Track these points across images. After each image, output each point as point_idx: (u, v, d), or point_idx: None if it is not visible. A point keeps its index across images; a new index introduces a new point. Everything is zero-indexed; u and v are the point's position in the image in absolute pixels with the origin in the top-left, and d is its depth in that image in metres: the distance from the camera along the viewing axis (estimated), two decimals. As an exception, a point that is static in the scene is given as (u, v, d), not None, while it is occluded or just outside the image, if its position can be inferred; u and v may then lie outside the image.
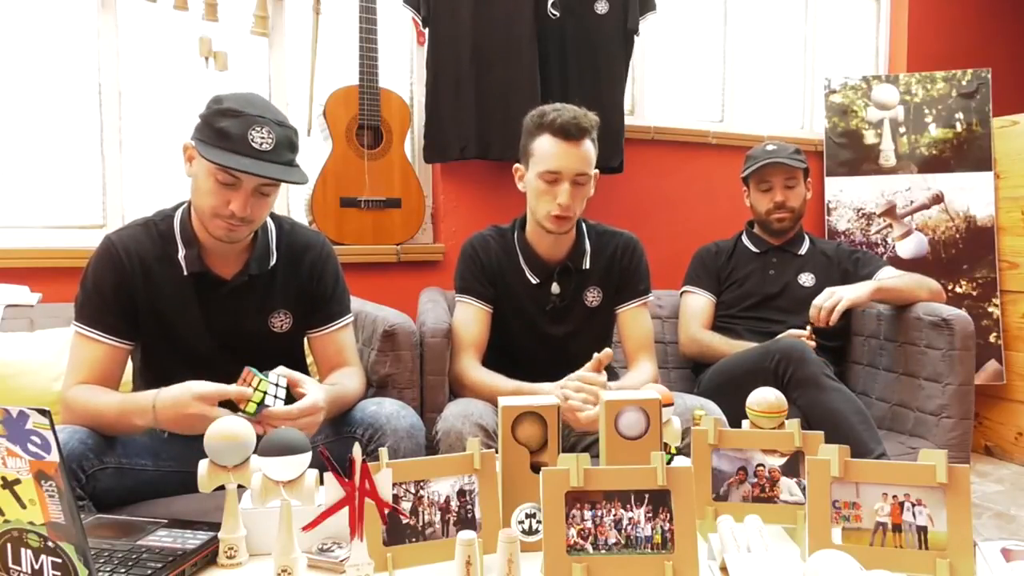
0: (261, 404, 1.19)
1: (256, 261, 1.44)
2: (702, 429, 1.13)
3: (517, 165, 1.73)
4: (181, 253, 1.39)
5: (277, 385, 1.22)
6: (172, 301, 1.39)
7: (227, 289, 1.42)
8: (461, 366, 1.67)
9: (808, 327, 2.05)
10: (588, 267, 1.74)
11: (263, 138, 1.28)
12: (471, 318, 1.71)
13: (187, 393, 1.19)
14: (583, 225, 1.77)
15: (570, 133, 1.59)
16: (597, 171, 1.71)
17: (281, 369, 1.27)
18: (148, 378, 1.45)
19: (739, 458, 1.13)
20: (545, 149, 1.61)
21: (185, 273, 1.39)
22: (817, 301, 2.03)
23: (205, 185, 1.31)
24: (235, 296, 1.43)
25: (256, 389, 1.19)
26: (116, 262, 1.37)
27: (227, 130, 1.26)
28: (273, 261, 1.46)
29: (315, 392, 1.26)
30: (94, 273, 1.37)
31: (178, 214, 1.43)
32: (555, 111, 1.62)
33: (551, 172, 1.61)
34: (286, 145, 1.32)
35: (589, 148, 1.63)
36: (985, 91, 2.85)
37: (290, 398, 1.26)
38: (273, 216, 1.50)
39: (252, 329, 1.45)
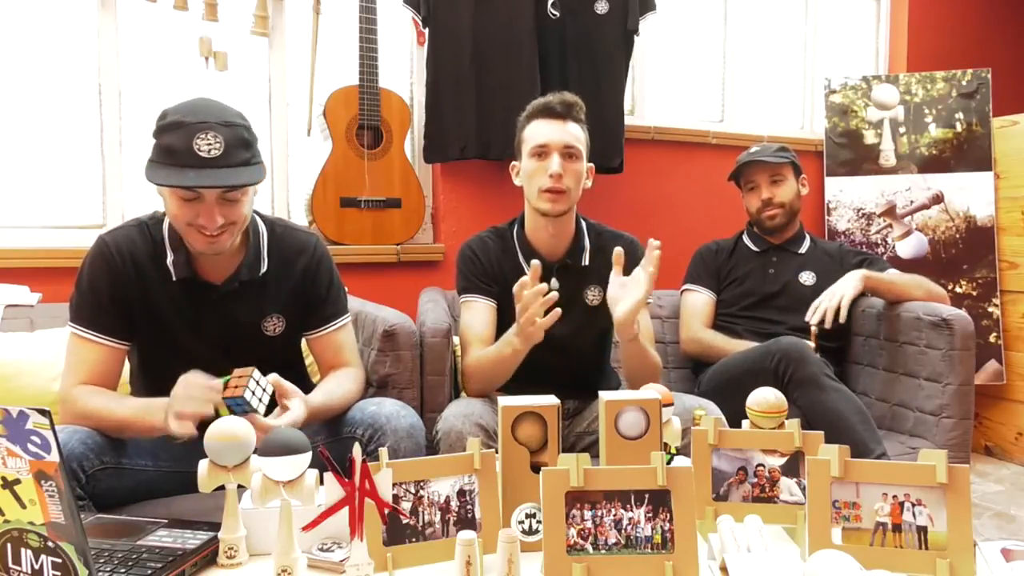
0: (242, 405, 1.19)
1: (247, 267, 1.42)
2: (702, 429, 1.13)
3: (514, 163, 1.75)
4: (170, 259, 1.38)
5: (264, 389, 1.22)
6: (164, 303, 1.38)
7: (218, 295, 1.40)
8: (467, 360, 1.64)
9: (813, 329, 2.04)
10: (587, 264, 1.74)
11: (210, 144, 1.23)
12: (477, 315, 1.69)
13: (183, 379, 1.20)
14: (583, 222, 1.77)
15: (554, 110, 1.65)
16: (592, 165, 1.72)
17: (273, 377, 1.26)
18: (144, 379, 1.45)
19: (739, 458, 1.13)
20: (533, 130, 1.67)
21: (174, 279, 1.38)
22: (819, 305, 2.03)
23: (170, 202, 1.29)
24: (226, 301, 1.41)
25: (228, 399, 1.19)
26: (110, 262, 1.36)
27: (172, 145, 1.23)
28: (264, 268, 1.44)
29: (292, 414, 1.24)
30: (89, 273, 1.36)
31: (167, 218, 1.41)
32: (539, 99, 1.69)
33: (539, 146, 1.64)
34: (238, 144, 1.26)
35: (576, 128, 1.67)
36: (985, 91, 2.85)
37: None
38: (264, 219, 1.49)
39: (245, 333, 1.44)
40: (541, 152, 1.64)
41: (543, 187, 1.63)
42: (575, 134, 1.65)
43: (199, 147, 1.22)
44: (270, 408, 1.24)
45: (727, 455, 1.13)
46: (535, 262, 1.46)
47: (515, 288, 1.43)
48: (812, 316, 2.04)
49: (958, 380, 1.94)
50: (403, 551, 1.00)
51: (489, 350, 1.60)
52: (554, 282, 1.71)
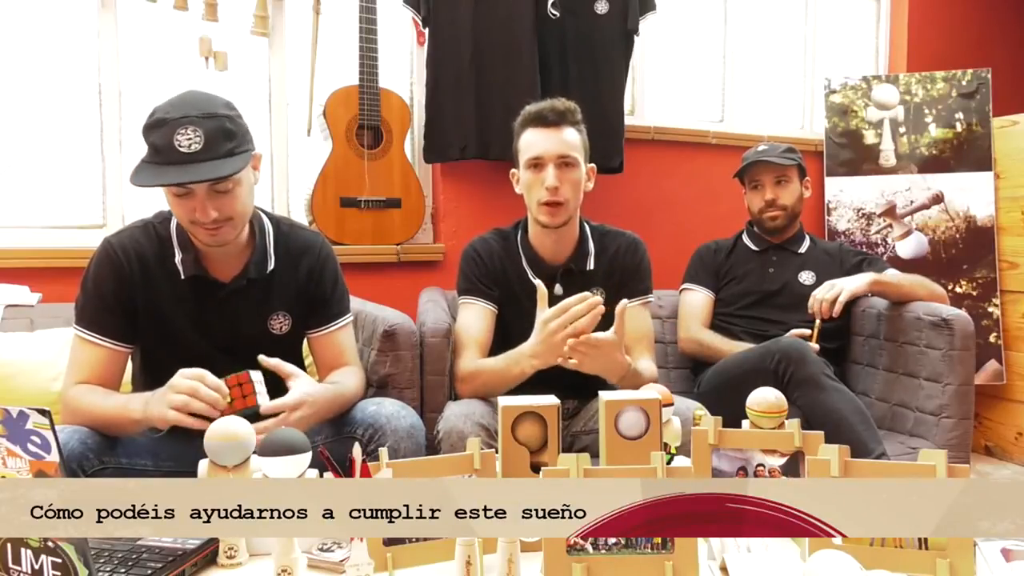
0: (247, 409, 1.19)
1: (254, 265, 1.43)
2: (702, 429, 1.13)
3: (513, 170, 1.75)
4: (178, 257, 1.39)
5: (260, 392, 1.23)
6: (170, 303, 1.39)
7: (225, 292, 1.41)
8: (462, 364, 1.64)
9: (814, 324, 2.03)
10: (592, 268, 1.73)
11: (189, 139, 1.23)
12: (474, 318, 1.69)
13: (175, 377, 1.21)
14: (586, 226, 1.77)
15: (546, 119, 1.63)
16: (593, 165, 1.72)
17: (274, 362, 1.29)
18: (146, 380, 1.44)
19: (739, 458, 1.13)
20: (527, 140, 1.65)
21: (182, 277, 1.39)
22: (817, 294, 2.03)
23: (167, 198, 1.32)
24: (233, 299, 1.42)
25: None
26: (115, 264, 1.37)
27: (156, 143, 1.25)
28: (272, 265, 1.45)
29: (302, 385, 1.27)
30: (94, 276, 1.37)
31: (175, 217, 1.42)
32: (532, 105, 1.67)
33: (533, 158, 1.63)
34: (219, 136, 1.25)
35: (571, 134, 1.64)
36: (985, 91, 2.85)
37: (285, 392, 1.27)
38: (271, 217, 1.50)
39: (251, 332, 1.44)
40: (536, 164, 1.63)
41: (541, 200, 1.63)
42: (570, 141, 1.63)
43: (179, 143, 1.23)
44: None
45: (727, 455, 1.13)
46: (540, 287, 1.49)
47: (558, 306, 1.43)
48: (811, 304, 2.04)
49: (958, 380, 1.94)
50: (403, 551, 1.00)
51: (494, 363, 1.58)
52: (558, 288, 1.71)
